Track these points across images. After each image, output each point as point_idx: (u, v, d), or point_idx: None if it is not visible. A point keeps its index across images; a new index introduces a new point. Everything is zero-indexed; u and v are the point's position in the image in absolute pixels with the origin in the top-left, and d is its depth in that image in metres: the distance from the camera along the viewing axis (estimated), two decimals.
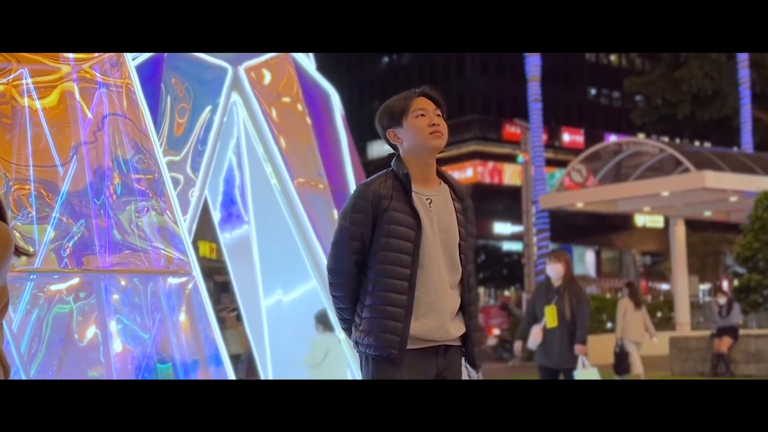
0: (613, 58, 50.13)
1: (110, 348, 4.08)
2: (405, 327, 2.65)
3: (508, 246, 46.13)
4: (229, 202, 6.02)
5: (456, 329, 2.74)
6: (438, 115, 2.76)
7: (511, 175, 45.82)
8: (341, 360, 5.89)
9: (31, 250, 3.64)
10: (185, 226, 4.59)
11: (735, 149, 24.49)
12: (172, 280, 4.39)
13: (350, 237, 2.72)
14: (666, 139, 30.27)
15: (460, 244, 2.76)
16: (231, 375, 4.92)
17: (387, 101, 2.85)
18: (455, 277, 2.75)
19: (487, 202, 41.81)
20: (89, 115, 4.16)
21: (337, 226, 2.80)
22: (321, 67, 6.02)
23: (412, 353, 2.66)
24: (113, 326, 4.10)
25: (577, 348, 6.33)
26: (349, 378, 5.85)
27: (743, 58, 23.67)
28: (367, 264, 2.72)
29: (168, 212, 4.43)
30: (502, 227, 45.78)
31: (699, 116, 28.53)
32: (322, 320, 5.92)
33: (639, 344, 10.71)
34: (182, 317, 4.45)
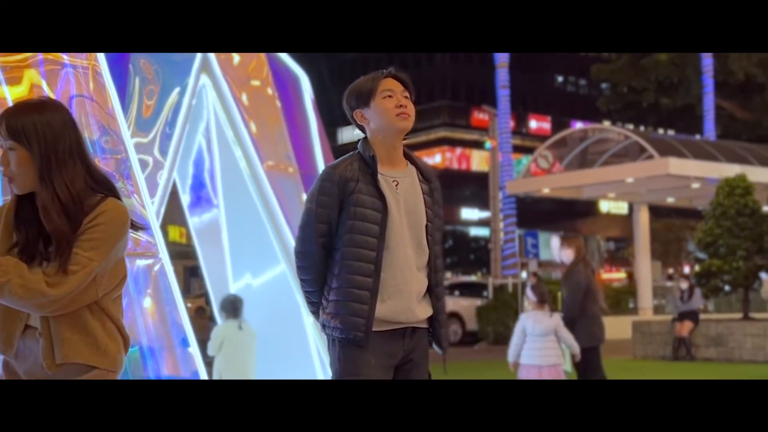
0: None
1: None
2: (371, 309, 2.64)
3: (475, 231, 46.46)
4: (198, 185, 5.97)
5: (423, 311, 2.73)
6: (405, 97, 2.74)
7: (478, 161, 46.08)
8: (242, 348, 5.73)
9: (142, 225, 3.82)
10: (153, 209, 4.57)
11: (698, 137, 24.87)
12: (140, 262, 4.37)
13: (317, 220, 2.71)
14: (631, 126, 30.62)
15: (427, 226, 2.75)
16: (198, 358, 4.92)
17: (354, 82, 2.82)
18: (422, 258, 2.74)
19: (455, 187, 42.02)
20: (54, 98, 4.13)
21: (304, 209, 2.78)
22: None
23: (379, 335, 2.66)
24: None
25: None
26: (252, 367, 5.71)
27: None
28: (334, 246, 2.71)
29: (135, 195, 4.40)
30: (469, 213, 46.08)
31: (663, 104, 28.90)
32: (226, 307, 5.78)
33: None
34: (149, 300, 4.43)
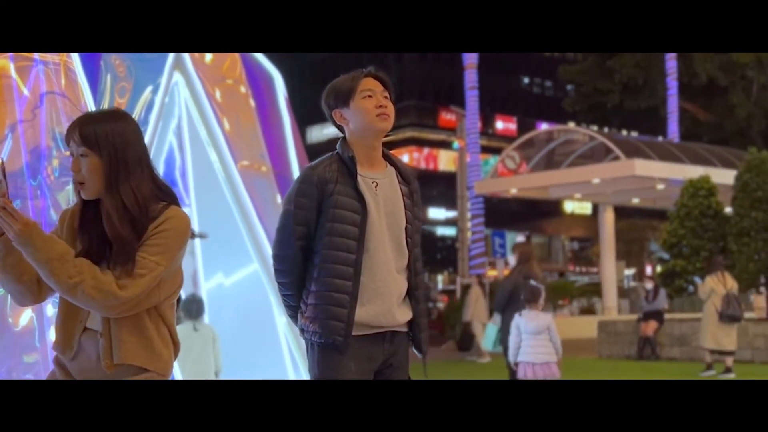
0: None
1: (45, 333, 3.98)
2: (350, 313, 2.59)
3: (442, 231, 46.64)
4: (170, 184, 5.89)
5: (403, 315, 2.69)
6: (385, 97, 2.69)
7: (446, 161, 46.27)
8: (196, 351, 5.55)
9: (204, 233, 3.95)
10: None
11: (661, 138, 25.24)
12: None
13: (295, 222, 2.65)
14: (595, 127, 30.98)
15: (406, 228, 2.70)
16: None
17: (334, 81, 2.75)
18: (402, 261, 2.69)
19: (423, 187, 41.72)
20: (25, 92, 4.04)
21: (282, 211, 2.72)
22: None
23: (358, 340, 2.61)
24: (50, 310, 4.00)
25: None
26: (208, 370, 5.64)
27: None
28: (313, 249, 2.65)
29: None
30: (437, 212, 46.22)
31: (628, 105, 29.29)
32: (186, 307, 5.63)
33: (486, 325, 12.80)
34: None
